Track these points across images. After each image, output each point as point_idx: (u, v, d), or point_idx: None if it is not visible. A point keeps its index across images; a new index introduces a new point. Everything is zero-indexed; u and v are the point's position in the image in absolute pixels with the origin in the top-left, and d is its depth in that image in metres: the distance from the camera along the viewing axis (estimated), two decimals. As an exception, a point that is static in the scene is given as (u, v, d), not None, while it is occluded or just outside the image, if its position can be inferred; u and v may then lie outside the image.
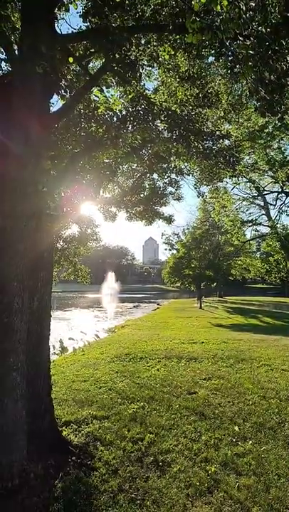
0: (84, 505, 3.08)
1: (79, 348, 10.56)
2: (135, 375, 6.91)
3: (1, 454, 3.09)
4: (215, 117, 6.40)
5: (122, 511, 3.02)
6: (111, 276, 76.89)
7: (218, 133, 5.76)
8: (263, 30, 3.02)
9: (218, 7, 2.79)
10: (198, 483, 3.41)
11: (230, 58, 3.73)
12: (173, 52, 4.60)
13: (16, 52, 3.60)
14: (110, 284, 70.31)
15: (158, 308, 31.54)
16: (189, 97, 5.42)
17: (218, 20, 3.00)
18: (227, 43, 3.31)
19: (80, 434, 4.33)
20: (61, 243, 10.50)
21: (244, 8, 2.88)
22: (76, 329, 15.43)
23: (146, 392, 5.83)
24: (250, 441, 4.23)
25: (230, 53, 3.60)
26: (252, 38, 3.02)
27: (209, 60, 5.52)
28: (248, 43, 2.96)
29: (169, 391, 5.94)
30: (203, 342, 10.78)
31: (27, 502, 3.00)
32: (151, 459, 3.84)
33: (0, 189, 3.39)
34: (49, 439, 3.85)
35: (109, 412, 5.00)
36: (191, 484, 3.40)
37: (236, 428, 4.56)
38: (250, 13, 2.98)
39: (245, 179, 24.06)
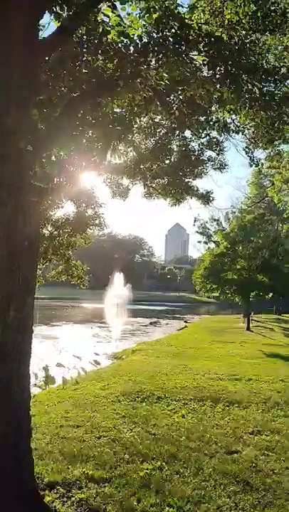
0: None
1: (71, 380, 10.70)
2: (150, 422, 6.95)
3: None
4: (280, 48, 6.27)
5: None
6: (119, 278, 77.48)
7: (283, 70, 5.64)
8: None
9: None
10: None
11: None
12: None
13: None
14: (118, 289, 70.88)
15: (185, 326, 31.58)
16: (242, 16, 5.32)
17: None
18: None
19: (69, 502, 4.39)
20: (49, 228, 10.57)
21: None
22: (67, 352, 15.64)
23: (165, 448, 5.85)
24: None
25: None
26: None
27: None
28: None
29: (199, 447, 5.94)
30: (250, 379, 10.76)
31: None
32: None
33: None
34: (24, 507, 3.92)
35: (111, 473, 5.05)
36: None
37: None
38: None
39: None
